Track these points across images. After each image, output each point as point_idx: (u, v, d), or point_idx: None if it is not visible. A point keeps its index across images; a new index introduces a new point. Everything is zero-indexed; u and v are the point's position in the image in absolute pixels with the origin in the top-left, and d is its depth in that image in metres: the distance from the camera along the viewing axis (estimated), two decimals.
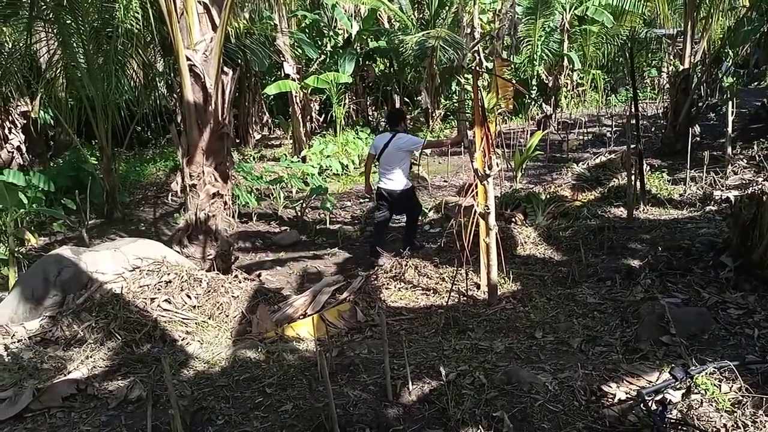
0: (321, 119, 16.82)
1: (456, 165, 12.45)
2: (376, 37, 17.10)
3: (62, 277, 4.86)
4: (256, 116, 16.54)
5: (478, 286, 5.41)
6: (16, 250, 6.43)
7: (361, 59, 16.86)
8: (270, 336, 4.58)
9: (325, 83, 13.81)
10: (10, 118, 10.55)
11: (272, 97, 16.41)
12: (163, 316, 4.69)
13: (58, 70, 9.44)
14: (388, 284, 5.68)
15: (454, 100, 18.47)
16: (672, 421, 2.90)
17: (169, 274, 5.11)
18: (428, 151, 12.30)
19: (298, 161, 12.11)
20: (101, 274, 4.95)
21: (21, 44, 9.62)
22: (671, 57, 18.49)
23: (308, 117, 14.54)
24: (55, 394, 3.58)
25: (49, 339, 4.41)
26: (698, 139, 11.59)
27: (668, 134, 11.64)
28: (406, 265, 5.93)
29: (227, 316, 4.96)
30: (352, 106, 17.71)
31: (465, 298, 5.17)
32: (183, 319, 4.74)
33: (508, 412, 3.08)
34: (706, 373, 3.21)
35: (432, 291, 5.47)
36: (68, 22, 8.43)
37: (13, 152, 10.53)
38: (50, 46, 9.28)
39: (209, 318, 4.86)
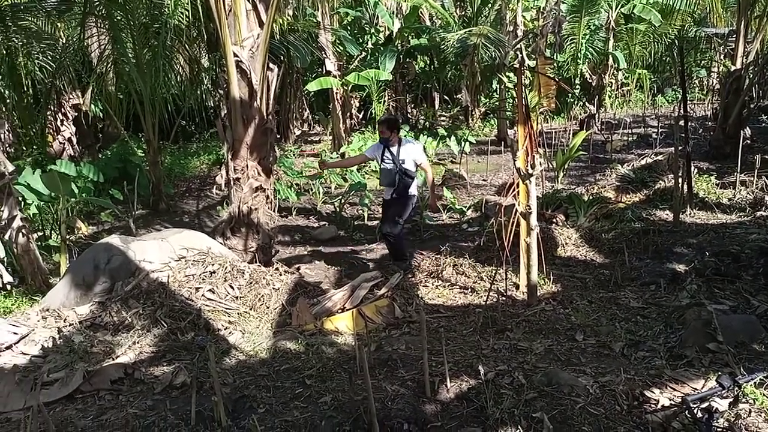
0: (360, 116, 16.90)
1: (495, 164, 12.35)
2: (418, 34, 17.04)
3: (111, 265, 5.03)
4: (297, 112, 16.72)
5: (517, 287, 5.37)
6: (67, 237, 6.67)
7: (401, 56, 16.86)
8: (309, 328, 4.65)
9: (366, 80, 13.86)
10: (62, 110, 10.92)
11: (313, 93, 16.55)
12: (207, 305, 4.81)
13: (109, 65, 9.76)
14: (425, 282, 5.70)
15: (495, 99, 18.27)
16: (718, 429, 2.83)
17: (213, 264, 5.23)
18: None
19: (338, 157, 12.19)
20: (148, 263, 5.10)
21: (74, 39, 9.98)
22: (722, 57, 17.89)
23: (348, 114, 14.62)
24: (104, 377, 3.72)
25: (98, 324, 4.57)
26: (749, 142, 11.18)
27: (717, 137, 11.28)
28: (444, 263, 5.93)
29: (268, 307, 5.06)
30: (391, 103, 17.70)
31: (504, 298, 5.14)
32: (226, 309, 4.85)
33: (547, 413, 3.06)
34: (755, 383, 3.12)
35: (470, 290, 5.45)
36: (119, 18, 8.70)
37: (64, 143, 10.90)
38: (101, 42, 9.58)
39: (251, 309, 4.96)
